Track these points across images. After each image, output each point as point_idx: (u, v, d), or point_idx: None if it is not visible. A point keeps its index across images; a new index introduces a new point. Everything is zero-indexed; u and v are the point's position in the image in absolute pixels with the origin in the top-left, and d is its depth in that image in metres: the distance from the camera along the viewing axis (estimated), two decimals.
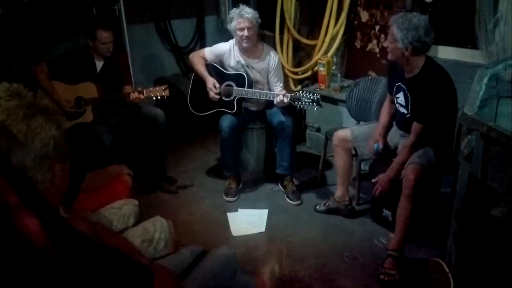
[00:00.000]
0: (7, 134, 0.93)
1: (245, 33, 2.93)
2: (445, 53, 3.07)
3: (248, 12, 2.93)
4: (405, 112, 2.48)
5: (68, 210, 1.36)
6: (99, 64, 3.04)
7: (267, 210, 3.01)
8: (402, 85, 2.45)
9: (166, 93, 2.95)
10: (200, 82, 3.17)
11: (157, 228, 1.84)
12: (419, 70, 2.34)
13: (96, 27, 2.89)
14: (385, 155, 2.58)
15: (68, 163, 1.07)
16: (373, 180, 2.50)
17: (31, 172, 0.96)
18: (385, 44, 2.39)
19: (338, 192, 2.87)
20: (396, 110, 2.58)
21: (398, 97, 2.51)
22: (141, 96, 2.92)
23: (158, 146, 3.17)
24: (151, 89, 2.96)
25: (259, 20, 3.00)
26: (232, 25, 2.97)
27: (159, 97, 2.96)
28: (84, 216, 1.79)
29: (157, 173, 3.27)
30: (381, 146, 2.57)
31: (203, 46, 4.22)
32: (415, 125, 2.37)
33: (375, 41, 3.49)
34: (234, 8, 3.01)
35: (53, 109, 1.04)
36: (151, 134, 3.12)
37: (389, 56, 2.38)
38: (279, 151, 3.13)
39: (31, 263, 0.87)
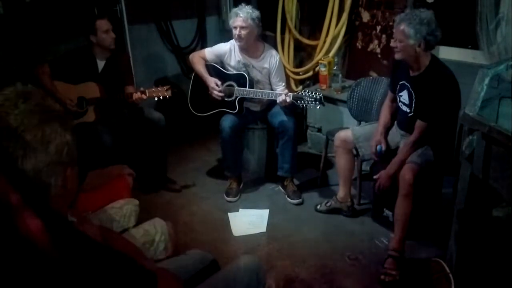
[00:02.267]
0: (20, 139, 0.92)
1: (237, 32, 2.94)
2: (447, 53, 3.07)
3: (244, 11, 2.94)
4: (408, 111, 2.48)
5: (76, 214, 1.36)
6: (100, 64, 3.04)
7: (268, 210, 3.01)
8: (406, 83, 2.45)
9: (168, 93, 2.95)
10: (200, 82, 3.17)
11: (157, 230, 1.84)
12: (425, 68, 2.35)
13: (94, 20, 2.91)
14: (386, 155, 2.58)
15: (77, 167, 1.07)
16: (374, 177, 2.51)
17: (44, 177, 0.96)
18: (392, 44, 2.37)
19: (341, 192, 2.87)
20: (398, 109, 2.58)
21: (401, 96, 2.51)
22: (144, 97, 2.92)
23: (159, 149, 3.18)
24: (153, 89, 2.96)
25: (257, 21, 2.99)
26: (230, 23, 3.01)
27: (161, 98, 2.96)
28: (85, 216, 1.80)
29: (158, 175, 3.27)
30: (384, 147, 2.57)
31: (204, 46, 4.22)
32: (419, 123, 2.37)
33: (376, 42, 3.49)
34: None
35: (67, 114, 1.04)
36: (151, 137, 3.12)
37: (399, 56, 2.36)
38: (280, 153, 3.13)
39: (32, 262, 0.88)
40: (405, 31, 2.27)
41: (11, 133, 0.92)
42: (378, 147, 2.57)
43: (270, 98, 2.98)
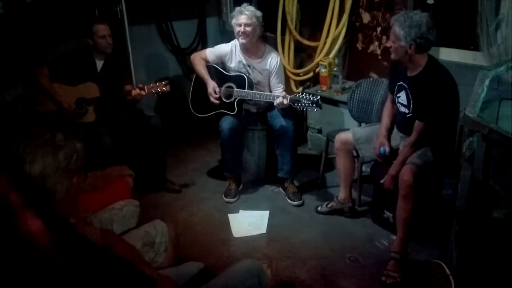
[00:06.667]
0: (30, 143, 0.92)
1: (242, 28, 2.95)
2: (447, 54, 3.06)
3: (248, 9, 2.98)
4: (406, 111, 2.48)
5: (75, 216, 1.36)
6: (99, 64, 3.04)
7: (268, 211, 3.01)
8: (403, 84, 2.45)
9: (167, 88, 2.95)
10: (201, 83, 3.16)
11: (158, 231, 1.84)
12: (422, 69, 2.34)
13: (92, 23, 2.91)
14: (388, 157, 2.57)
15: (84, 173, 1.06)
16: (381, 181, 2.50)
17: (50, 183, 0.95)
18: (387, 44, 2.38)
19: (341, 194, 2.87)
20: (397, 110, 2.58)
21: (400, 96, 2.51)
22: (143, 93, 2.92)
23: (155, 150, 3.17)
24: (152, 85, 2.96)
25: (261, 20, 3.01)
26: (233, 22, 3.02)
27: (160, 93, 2.96)
28: (85, 217, 1.80)
29: (157, 175, 3.27)
30: (387, 149, 2.56)
31: (204, 47, 4.21)
32: (417, 124, 2.37)
33: (376, 43, 3.48)
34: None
35: (76, 122, 1.04)
36: (147, 139, 3.12)
37: (393, 56, 2.37)
38: (280, 154, 3.13)
39: (32, 262, 0.87)
40: (396, 32, 2.27)
41: (21, 135, 0.91)
42: (382, 149, 2.56)
43: (268, 100, 2.98)
